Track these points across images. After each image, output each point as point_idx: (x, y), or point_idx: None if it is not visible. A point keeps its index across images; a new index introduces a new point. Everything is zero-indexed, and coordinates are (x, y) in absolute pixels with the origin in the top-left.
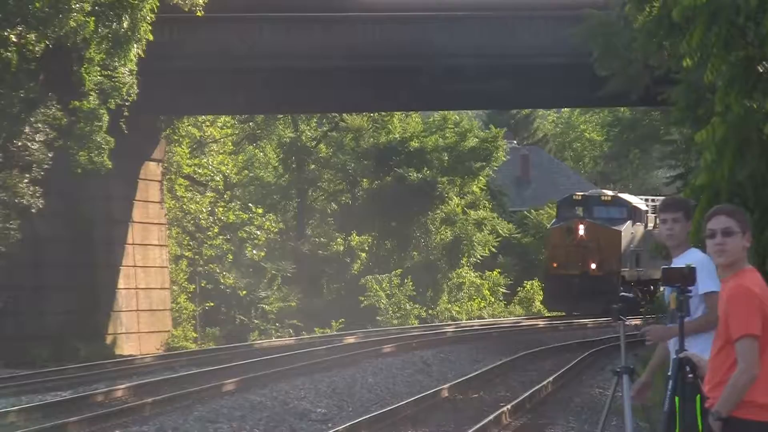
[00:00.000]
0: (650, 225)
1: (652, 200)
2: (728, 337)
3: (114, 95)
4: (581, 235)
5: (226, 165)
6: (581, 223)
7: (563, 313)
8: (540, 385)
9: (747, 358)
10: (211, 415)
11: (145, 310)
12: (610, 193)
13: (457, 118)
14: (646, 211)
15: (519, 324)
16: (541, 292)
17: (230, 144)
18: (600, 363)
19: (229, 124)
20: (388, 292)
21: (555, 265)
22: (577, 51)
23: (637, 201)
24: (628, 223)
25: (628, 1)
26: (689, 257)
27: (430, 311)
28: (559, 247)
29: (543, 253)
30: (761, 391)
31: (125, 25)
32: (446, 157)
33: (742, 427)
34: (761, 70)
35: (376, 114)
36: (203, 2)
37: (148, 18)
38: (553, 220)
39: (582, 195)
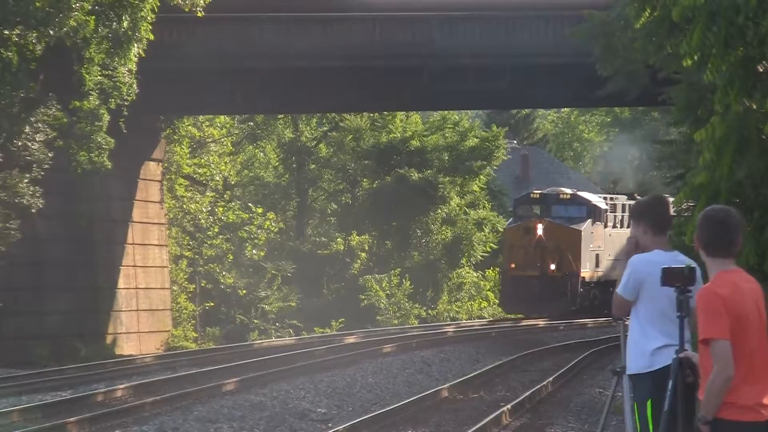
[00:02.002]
0: (609, 224)
1: (611, 199)
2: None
3: (114, 95)
4: (540, 235)
5: (225, 165)
6: (540, 223)
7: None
8: (540, 385)
9: (719, 360)
10: (211, 415)
11: (145, 310)
12: (568, 191)
13: (457, 117)
14: (606, 210)
15: (519, 324)
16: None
17: (229, 145)
18: (600, 363)
19: (228, 124)
20: (388, 291)
21: (513, 266)
22: (577, 51)
23: (596, 199)
24: (588, 222)
25: (630, 1)
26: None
27: (430, 311)
28: (517, 248)
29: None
30: (743, 392)
31: (125, 24)
32: (446, 157)
33: (727, 428)
34: (761, 70)
35: (377, 114)
36: (204, 2)
37: (149, 18)
38: (510, 220)
39: (540, 193)
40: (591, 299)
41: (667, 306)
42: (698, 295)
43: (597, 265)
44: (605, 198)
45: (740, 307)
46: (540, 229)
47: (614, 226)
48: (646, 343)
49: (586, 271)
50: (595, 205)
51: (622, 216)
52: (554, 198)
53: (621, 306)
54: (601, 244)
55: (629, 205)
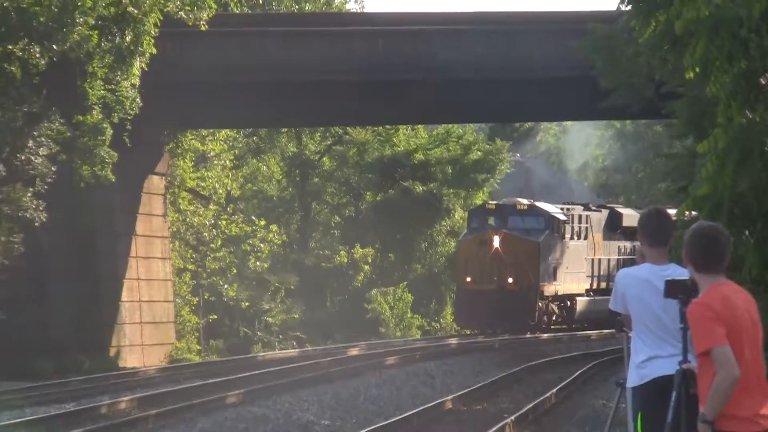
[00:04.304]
0: (567, 236)
1: (568, 209)
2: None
3: (117, 109)
4: (496, 248)
5: (228, 179)
6: (496, 234)
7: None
8: (543, 397)
9: (723, 363)
10: (215, 428)
11: (149, 323)
12: (525, 201)
13: (461, 131)
14: (565, 221)
15: (522, 336)
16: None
17: (232, 158)
18: (603, 374)
19: (231, 138)
20: (392, 304)
21: (468, 279)
22: (580, 64)
23: (554, 210)
24: (546, 233)
25: (635, 16)
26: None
27: (433, 323)
28: (473, 261)
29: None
30: (741, 404)
31: (128, 39)
32: (450, 170)
33: None
34: (764, 83)
35: (381, 127)
36: (207, 16)
37: (152, 32)
38: (464, 231)
39: (496, 204)
40: (549, 314)
41: (649, 320)
42: (689, 311)
43: (555, 279)
44: (563, 209)
45: (732, 319)
46: (497, 242)
47: (572, 238)
48: (635, 357)
49: (545, 285)
50: (553, 216)
51: (579, 227)
52: (511, 209)
53: (627, 321)
54: (560, 257)
55: (587, 215)
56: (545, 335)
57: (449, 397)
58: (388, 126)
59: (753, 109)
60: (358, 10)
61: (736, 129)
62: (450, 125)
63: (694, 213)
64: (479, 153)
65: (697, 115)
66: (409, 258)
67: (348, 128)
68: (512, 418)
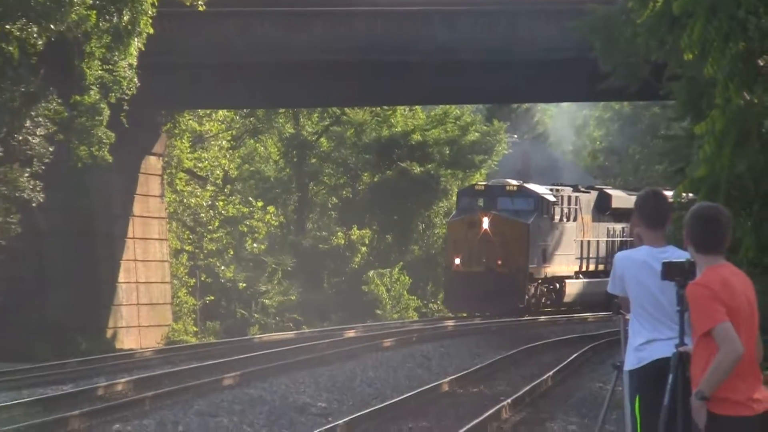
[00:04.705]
0: (557, 217)
1: (557, 191)
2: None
3: (114, 89)
4: (486, 229)
5: (225, 159)
6: (486, 216)
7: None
8: (540, 380)
9: (726, 340)
10: (212, 409)
11: (146, 304)
12: (515, 182)
13: (459, 112)
14: (554, 202)
15: (519, 318)
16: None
17: (229, 139)
18: (600, 357)
19: (229, 119)
20: (388, 286)
21: (457, 262)
22: (579, 45)
23: (544, 191)
24: (536, 215)
25: None
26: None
27: (431, 305)
28: (461, 243)
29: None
30: (736, 387)
31: (125, 19)
32: (448, 151)
33: (720, 423)
34: (762, 64)
35: (379, 108)
36: None
37: (149, 12)
38: (453, 213)
39: (485, 185)
40: (538, 296)
41: (647, 302)
42: (688, 291)
43: (545, 261)
44: (553, 190)
45: (730, 301)
46: (486, 223)
47: (561, 220)
48: (633, 340)
49: (534, 267)
50: (542, 197)
51: (569, 208)
52: (500, 190)
53: (624, 303)
54: (549, 239)
55: (576, 197)
56: (542, 317)
57: (446, 380)
58: (385, 107)
59: (751, 90)
60: None
61: (734, 110)
62: (448, 106)
63: (691, 195)
64: (477, 134)
65: (695, 97)
66: (407, 239)
67: (346, 109)
68: (509, 400)
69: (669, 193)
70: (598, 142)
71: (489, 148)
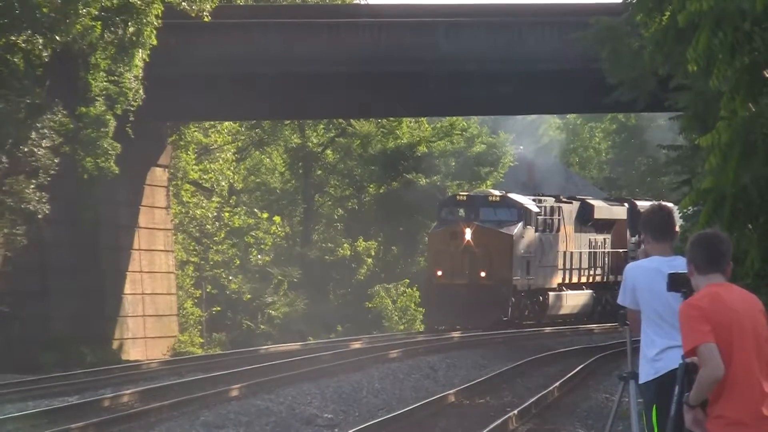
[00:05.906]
0: (540, 228)
1: (539, 201)
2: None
3: (120, 101)
4: (468, 240)
5: (231, 171)
6: (468, 227)
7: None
8: (546, 390)
9: (707, 361)
10: (218, 421)
11: (152, 316)
12: (497, 192)
13: (465, 124)
14: (538, 213)
15: (524, 329)
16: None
17: (235, 151)
18: (606, 368)
19: (234, 131)
20: (394, 297)
21: (439, 274)
22: (583, 57)
23: (527, 201)
24: (519, 225)
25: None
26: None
27: None
28: (443, 254)
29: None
30: (730, 406)
31: (131, 30)
32: (453, 163)
33: None
34: (767, 76)
35: (384, 120)
36: (210, 8)
37: (155, 23)
38: (434, 224)
39: (467, 195)
40: (521, 309)
41: (662, 309)
42: (679, 310)
43: (528, 273)
44: (536, 200)
45: (720, 316)
46: (468, 234)
47: (544, 230)
48: (648, 350)
49: (517, 279)
50: (526, 208)
51: (551, 219)
52: (482, 200)
53: (631, 316)
54: (533, 250)
55: (558, 207)
56: (547, 329)
57: (452, 391)
58: (391, 118)
59: (756, 102)
60: (361, 2)
61: (740, 122)
62: (454, 118)
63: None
64: (483, 146)
65: (701, 109)
66: (413, 251)
67: (351, 120)
68: (515, 411)
69: (671, 205)
70: (605, 154)
71: (495, 160)
